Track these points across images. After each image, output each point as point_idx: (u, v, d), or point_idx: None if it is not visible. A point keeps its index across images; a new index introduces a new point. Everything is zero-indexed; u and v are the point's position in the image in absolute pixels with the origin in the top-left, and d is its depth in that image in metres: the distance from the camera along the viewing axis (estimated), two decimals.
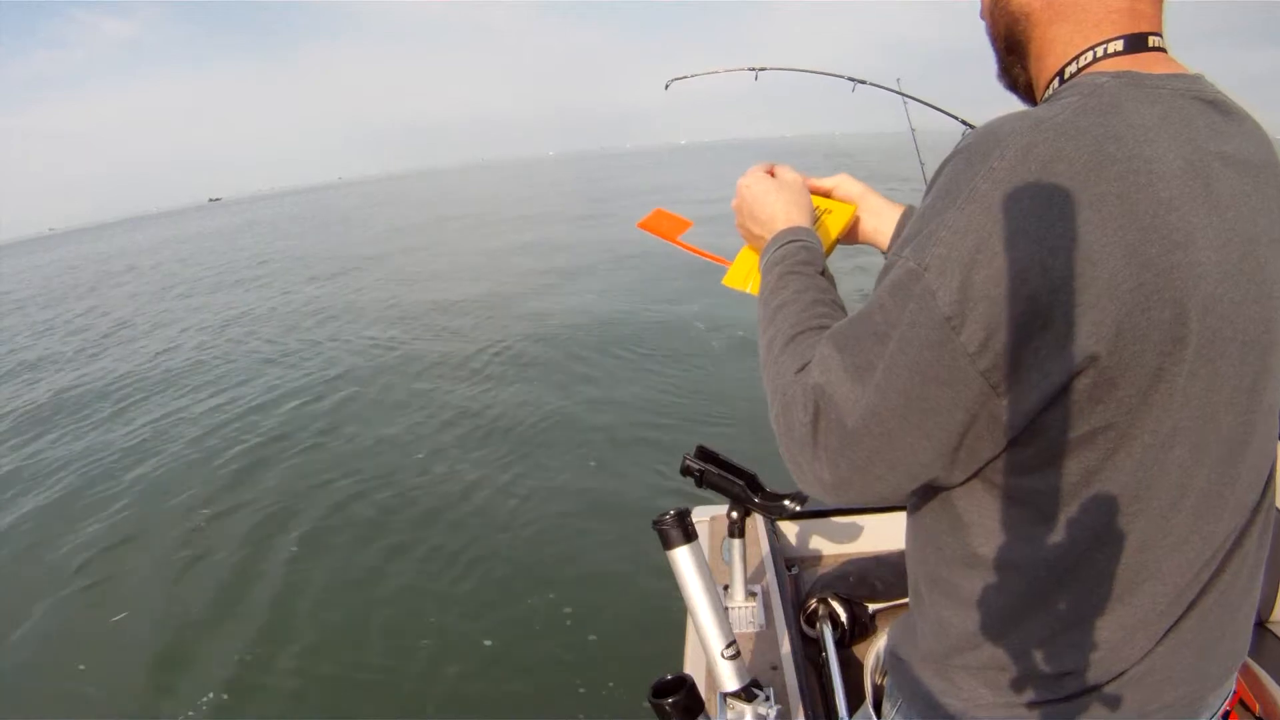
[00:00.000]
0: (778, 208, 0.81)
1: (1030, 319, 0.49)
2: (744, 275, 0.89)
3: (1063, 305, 0.48)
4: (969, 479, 0.59)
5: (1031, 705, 0.62)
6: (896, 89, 2.12)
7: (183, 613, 3.44)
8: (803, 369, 0.61)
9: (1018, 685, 0.62)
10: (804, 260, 0.73)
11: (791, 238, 0.76)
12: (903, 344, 0.52)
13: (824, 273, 0.73)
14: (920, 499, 0.67)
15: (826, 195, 0.92)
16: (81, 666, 3.15)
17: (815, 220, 0.85)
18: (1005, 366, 0.50)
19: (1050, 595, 0.59)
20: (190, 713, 2.78)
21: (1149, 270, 0.49)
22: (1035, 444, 0.54)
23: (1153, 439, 0.53)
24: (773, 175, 0.87)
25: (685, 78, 2.60)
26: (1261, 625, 1.42)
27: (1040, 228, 0.48)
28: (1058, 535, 0.56)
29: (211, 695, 2.85)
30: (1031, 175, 0.49)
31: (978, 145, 0.53)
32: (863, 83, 2.32)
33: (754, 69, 2.46)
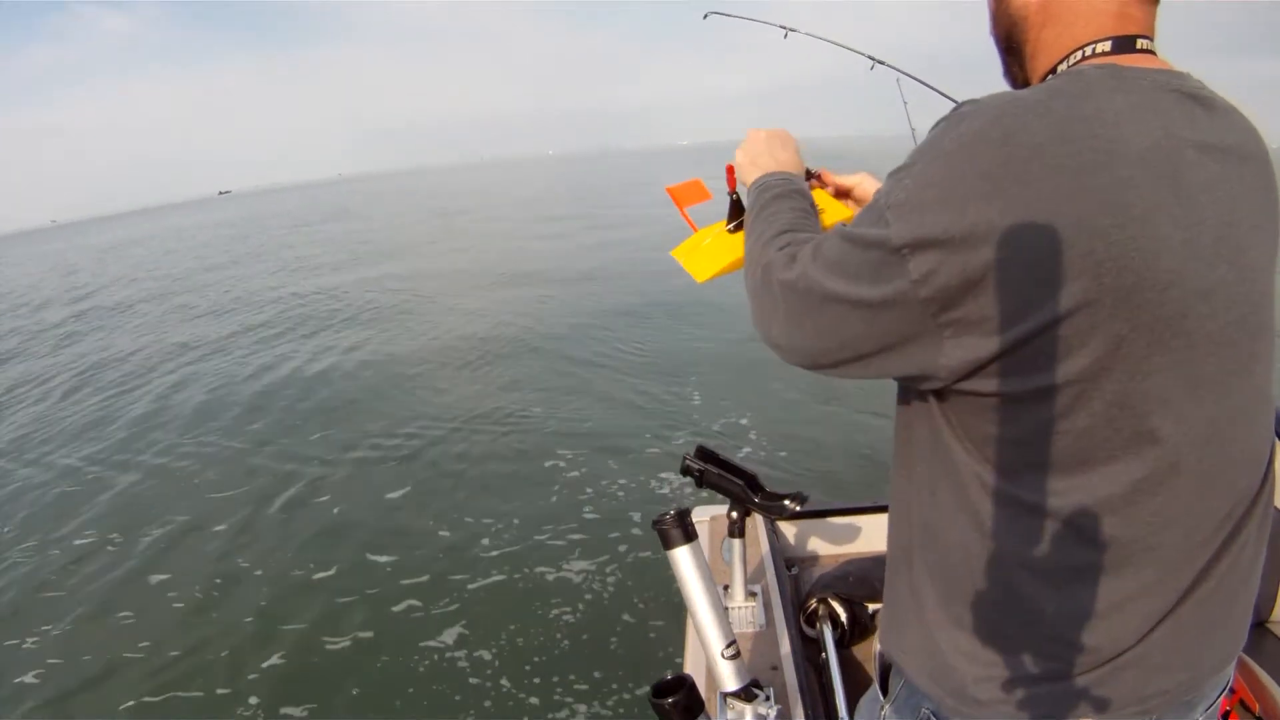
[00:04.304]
0: (780, 156, 0.91)
1: (973, 270, 0.54)
2: (687, 249, 0.97)
3: (1006, 263, 0.53)
4: (957, 425, 0.63)
5: (1026, 681, 0.63)
6: (912, 74, 2.13)
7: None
8: (786, 247, 0.70)
9: (1008, 655, 0.63)
10: (795, 189, 0.84)
11: (781, 176, 0.87)
12: (865, 253, 0.59)
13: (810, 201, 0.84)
14: (910, 444, 0.71)
15: (846, 193, 0.96)
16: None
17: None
18: (945, 302, 0.55)
19: (1033, 552, 0.60)
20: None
21: (1099, 239, 0.52)
22: (998, 390, 0.58)
23: (1115, 399, 0.55)
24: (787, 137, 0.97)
25: (724, 14, 2.74)
26: (1261, 625, 1.42)
27: (991, 190, 0.53)
28: (1031, 486, 0.60)
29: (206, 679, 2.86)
30: (993, 144, 0.54)
31: (958, 113, 0.58)
32: (882, 63, 2.35)
33: (785, 27, 2.55)
